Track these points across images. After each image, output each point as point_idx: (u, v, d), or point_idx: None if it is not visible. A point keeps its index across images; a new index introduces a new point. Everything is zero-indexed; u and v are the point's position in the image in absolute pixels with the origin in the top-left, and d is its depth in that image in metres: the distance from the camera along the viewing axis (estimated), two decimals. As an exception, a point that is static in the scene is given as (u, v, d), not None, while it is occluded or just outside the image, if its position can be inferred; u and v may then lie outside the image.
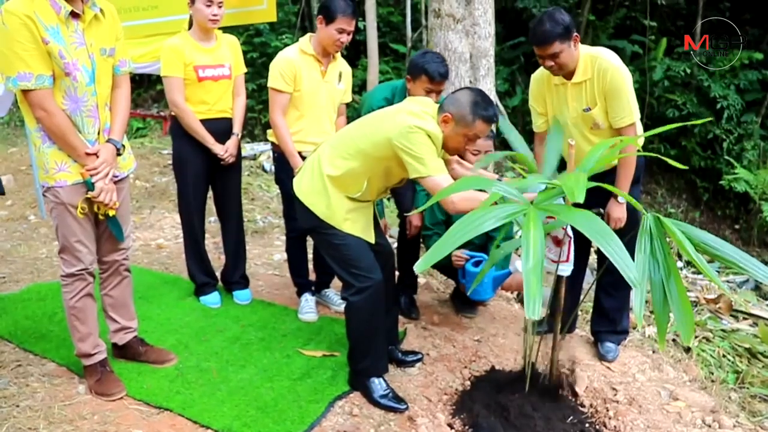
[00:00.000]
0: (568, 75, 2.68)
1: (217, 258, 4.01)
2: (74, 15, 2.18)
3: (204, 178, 3.23)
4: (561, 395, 2.58)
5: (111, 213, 2.41)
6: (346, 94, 3.22)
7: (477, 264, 3.02)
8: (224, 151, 3.12)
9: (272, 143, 3.15)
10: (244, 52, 3.35)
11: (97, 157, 2.31)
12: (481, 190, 2.21)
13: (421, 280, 3.78)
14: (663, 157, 2.10)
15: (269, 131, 3.14)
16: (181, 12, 4.28)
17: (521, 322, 3.31)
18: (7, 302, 3.31)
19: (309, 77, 2.99)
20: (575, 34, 2.59)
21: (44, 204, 2.35)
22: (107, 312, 2.65)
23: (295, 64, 2.96)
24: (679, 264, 5.22)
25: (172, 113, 3.13)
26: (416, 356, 2.88)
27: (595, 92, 2.65)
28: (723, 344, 3.44)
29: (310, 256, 3.47)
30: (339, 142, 2.48)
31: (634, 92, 2.68)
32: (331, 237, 2.47)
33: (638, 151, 2.64)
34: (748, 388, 3.06)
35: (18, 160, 6.80)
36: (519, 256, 3.25)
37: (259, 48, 9.10)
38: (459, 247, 2.97)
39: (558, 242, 2.33)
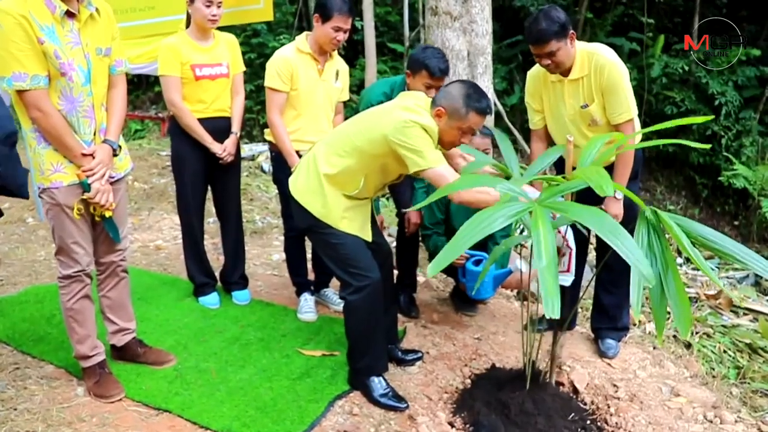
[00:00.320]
0: (565, 72, 2.67)
1: (216, 258, 3.99)
2: (70, 14, 2.17)
3: (203, 177, 3.22)
4: (562, 392, 2.57)
5: (107, 214, 2.39)
6: (344, 93, 3.21)
7: (477, 263, 3.01)
8: (222, 150, 3.11)
9: (269, 143, 3.14)
10: (242, 53, 3.33)
11: (93, 157, 2.29)
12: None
13: (420, 279, 3.77)
14: (685, 142, 2.08)
15: (266, 131, 3.13)
16: (178, 12, 4.28)
17: (521, 320, 3.30)
18: (4, 305, 3.29)
19: (306, 76, 2.98)
20: (571, 31, 2.58)
21: (41, 206, 2.34)
22: (105, 313, 2.64)
23: (292, 63, 2.94)
24: (680, 260, 5.20)
25: (171, 113, 3.12)
26: (416, 355, 2.87)
27: (592, 88, 2.64)
28: (724, 340, 3.43)
29: (309, 255, 3.45)
30: (334, 140, 2.47)
31: (632, 89, 2.67)
32: (328, 236, 2.46)
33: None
34: (749, 383, 3.05)
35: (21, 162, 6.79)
36: (519, 254, 3.25)
37: (256, 48, 9.07)
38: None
39: (558, 252, 2.32)
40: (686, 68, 8.46)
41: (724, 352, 3.33)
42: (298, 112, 3.03)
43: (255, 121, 9.40)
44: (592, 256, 4.44)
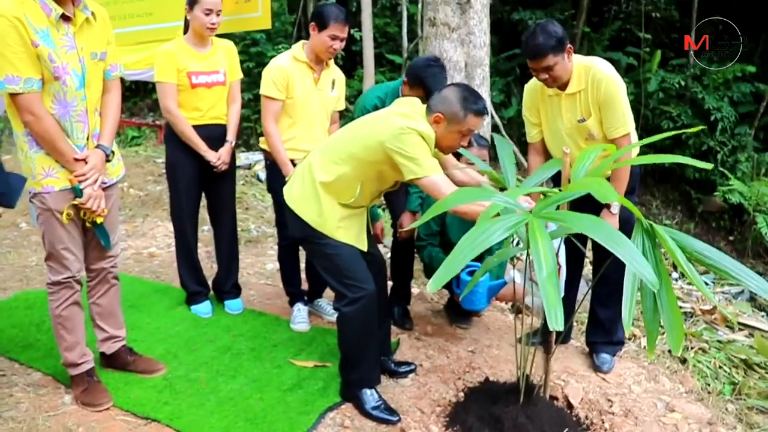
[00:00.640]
0: (562, 86, 2.66)
1: (209, 267, 3.96)
2: (65, 18, 2.15)
3: (197, 185, 3.20)
4: (556, 407, 2.55)
5: (99, 220, 2.37)
6: (339, 102, 3.20)
7: (472, 273, 2.99)
8: (216, 158, 3.09)
9: (264, 151, 3.13)
10: (240, 62, 3.32)
11: (86, 163, 2.27)
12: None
13: (414, 291, 3.75)
14: (685, 159, 2.05)
15: (261, 139, 3.12)
16: (176, 19, 4.28)
17: (515, 333, 3.28)
18: (-6, 310, 3.26)
19: (302, 84, 2.97)
20: (568, 45, 2.57)
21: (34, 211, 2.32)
22: (95, 321, 2.61)
23: (288, 71, 2.93)
24: (675, 275, 5.20)
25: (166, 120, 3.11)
26: (409, 367, 2.84)
27: (589, 103, 2.63)
28: (719, 355, 3.41)
29: (302, 265, 3.43)
30: (330, 147, 2.45)
31: (629, 103, 2.66)
32: (323, 246, 2.43)
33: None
34: (744, 399, 3.02)
35: (12, 168, 6.72)
36: (514, 266, 3.23)
37: (255, 58, 9.09)
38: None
39: None
40: (683, 83, 8.52)
41: (720, 367, 3.31)
42: (294, 120, 3.01)
43: (252, 130, 9.41)
44: (587, 269, 4.42)
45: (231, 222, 3.39)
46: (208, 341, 3.04)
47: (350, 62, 9.84)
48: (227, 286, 3.44)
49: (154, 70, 3.02)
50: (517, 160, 7.38)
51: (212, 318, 3.31)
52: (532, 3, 10.02)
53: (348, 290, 2.41)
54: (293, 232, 2.54)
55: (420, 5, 4.24)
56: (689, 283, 4.87)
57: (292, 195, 2.48)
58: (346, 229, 2.44)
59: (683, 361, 3.32)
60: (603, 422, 2.57)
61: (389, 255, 3.44)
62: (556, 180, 2.87)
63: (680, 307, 3.23)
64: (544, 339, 2.45)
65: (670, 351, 3.39)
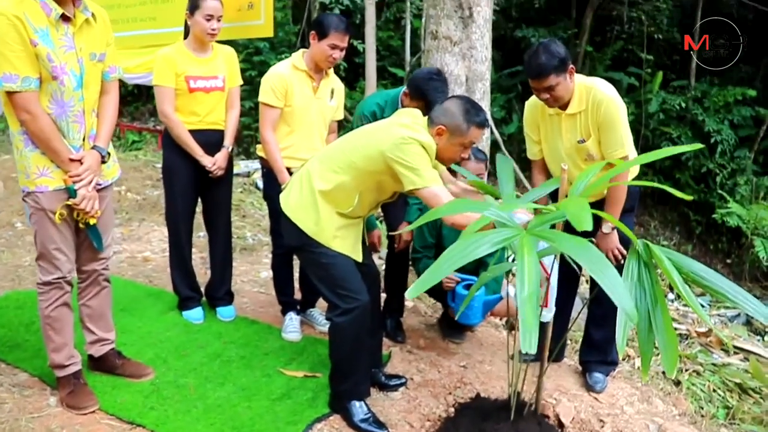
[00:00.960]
0: (563, 106, 2.65)
1: (203, 273, 3.94)
2: (65, 18, 2.15)
3: (192, 189, 3.18)
4: (547, 425, 2.51)
5: (92, 222, 2.35)
6: (338, 111, 3.20)
7: (468, 287, 2.98)
8: (212, 163, 3.08)
9: (261, 158, 3.12)
10: (243, 70, 3.32)
11: (81, 163, 2.26)
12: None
13: (408, 304, 3.72)
14: (664, 187, 2.04)
15: (258, 146, 3.11)
16: (178, 24, 4.26)
17: (508, 350, 3.25)
18: (-17, 310, 3.23)
19: (300, 93, 2.96)
20: (571, 66, 2.56)
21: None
22: (84, 323, 2.59)
23: (287, 80, 2.93)
24: (671, 296, 5.17)
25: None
26: (400, 380, 2.81)
27: (589, 124, 2.62)
28: (713, 378, 3.38)
29: (296, 274, 3.41)
30: (330, 156, 2.44)
31: (629, 124, 2.65)
32: (318, 256, 2.41)
33: (632, 180, 2.61)
34: (738, 424, 2.99)
35: (10, 168, 6.75)
36: (508, 281, 3.21)
37: (258, 66, 9.11)
38: (449, 270, 2.94)
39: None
40: (683, 105, 8.55)
41: (714, 391, 3.28)
42: (292, 128, 3.01)
43: (253, 138, 9.41)
44: (583, 288, 4.40)
45: (225, 228, 3.38)
46: (199, 347, 3.01)
47: (353, 74, 9.87)
48: (220, 292, 3.42)
49: (153, 73, 3.02)
50: (516, 177, 7.39)
51: (204, 324, 3.29)
52: (535, 20, 10.08)
53: (341, 300, 2.39)
54: (289, 240, 2.52)
55: (423, 19, 4.25)
56: (685, 305, 4.85)
57: (289, 203, 2.46)
58: (342, 239, 2.42)
59: (677, 383, 3.29)
60: (594, 442, 2.54)
61: (384, 267, 3.42)
62: (554, 197, 2.86)
63: (675, 329, 3.21)
64: (536, 356, 2.42)
65: (664, 372, 3.36)
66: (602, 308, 2.89)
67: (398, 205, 3.14)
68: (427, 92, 2.83)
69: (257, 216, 6.12)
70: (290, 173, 2.88)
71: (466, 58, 4.08)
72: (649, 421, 2.75)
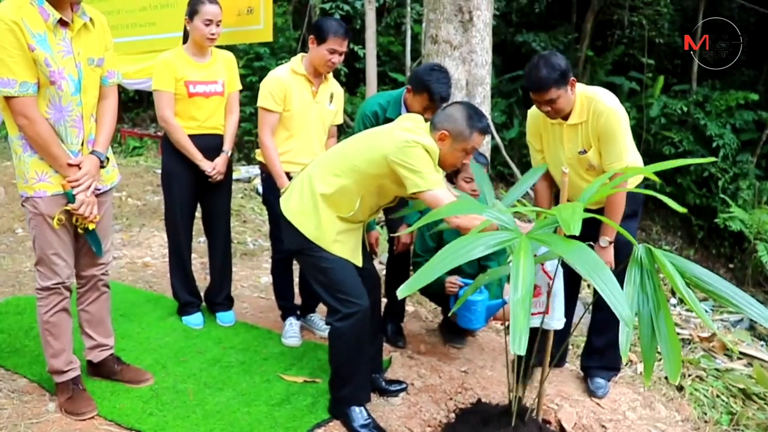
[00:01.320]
0: (565, 116, 2.64)
1: (203, 278, 3.93)
2: (63, 23, 2.15)
3: (192, 194, 3.18)
4: (548, 431, 2.49)
5: (91, 227, 2.34)
6: (337, 116, 3.19)
7: (471, 291, 2.95)
8: (212, 168, 3.08)
9: (260, 163, 3.11)
10: (243, 75, 3.32)
11: (80, 168, 2.25)
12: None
13: (409, 308, 3.71)
14: (660, 196, 2.03)
15: (257, 151, 3.10)
16: (178, 29, 4.29)
17: (509, 354, 3.24)
18: (-17, 315, 3.22)
19: (299, 97, 2.96)
20: (572, 78, 2.55)
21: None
22: (83, 328, 2.58)
23: (286, 84, 2.92)
24: (673, 301, 5.15)
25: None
26: (400, 386, 2.79)
27: (589, 135, 2.61)
28: (717, 384, 3.35)
29: (296, 279, 3.39)
30: (331, 159, 2.43)
31: (631, 128, 2.64)
32: (318, 260, 2.40)
33: (637, 186, 2.60)
34: (742, 430, 2.97)
35: (11, 174, 6.77)
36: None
37: (258, 72, 9.12)
38: (452, 273, 2.92)
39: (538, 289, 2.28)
40: (685, 109, 8.55)
41: (717, 396, 3.25)
42: (291, 133, 3.00)
43: (253, 144, 9.42)
44: (585, 292, 4.38)
45: (225, 234, 3.37)
46: (198, 353, 3.00)
47: (353, 79, 9.88)
48: (220, 297, 3.40)
49: (152, 78, 3.02)
50: (517, 181, 7.38)
51: (203, 329, 3.27)
52: (535, 25, 10.10)
53: (341, 305, 2.38)
54: (288, 245, 2.51)
55: (423, 23, 4.25)
56: (688, 310, 4.82)
57: (289, 207, 2.45)
58: (342, 243, 2.41)
59: (680, 388, 3.26)
60: (596, 448, 2.52)
61: (384, 271, 3.41)
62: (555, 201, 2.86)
63: (678, 334, 3.18)
64: (538, 362, 2.41)
65: (666, 377, 3.34)
66: (604, 313, 2.87)
67: (399, 209, 3.13)
68: (429, 83, 2.82)
69: (258, 221, 6.11)
70: (289, 178, 2.87)
71: (466, 63, 4.08)
72: (651, 427, 2.73)
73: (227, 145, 3.16)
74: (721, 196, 8.07)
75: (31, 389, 2.55)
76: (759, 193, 8.14)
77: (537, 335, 2.30)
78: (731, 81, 9.02)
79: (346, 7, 9.14)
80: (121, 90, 2.38)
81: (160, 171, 7.41)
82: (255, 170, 7.67)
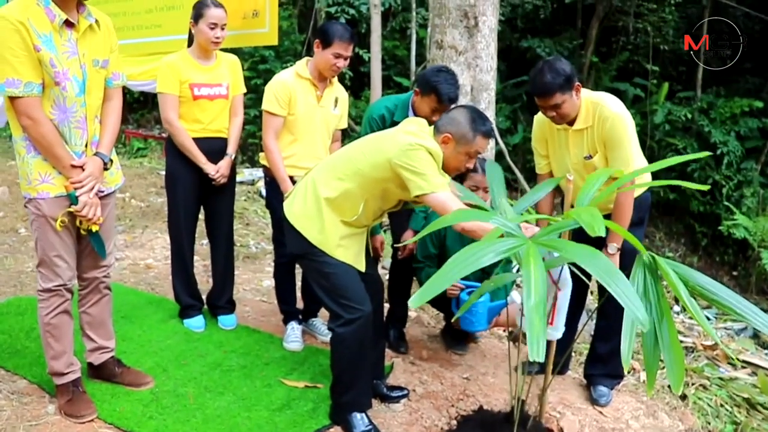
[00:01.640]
0: (570, 122, 2.63)
1: (205, 281, 3.92)
2: (69, 24, 2.15)
3: (195, 197, 3.17)
4: (550, 439, 2.48)
5: (94, 229, 2.34)
6: (342, 120, 3.18)
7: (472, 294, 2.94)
8: (215, 171, 3.07)
9: (264, 167, 3.10)
10: (248, 78, 3.33)
11: (83, 170, 2.25)
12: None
13: (411, 314, 3.69)
14: (679, 182, 2.00)
15: (261, 154, 3.09)
16: (183, 32, 4.28)
17: (512, 361, 3.22)
18: (-16, 316, 3.22)
19: (304, 101, 2.95)
20: (576, 83, 2.54)
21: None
22: (84, 330, 2.57)
23: (290, 88, 2.92)
24: (676, 308, 5.12)
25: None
26: (402, 392, 2.78)
27: (595, 140, 2.60)
28: (720, 393, 3.33)
29: (299, 284, 3.38)
30: (335, 163, 2.42)
31: (637, 136, 2.62)
32: (321, 264, 2.39)
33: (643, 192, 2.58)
34: (745, 440, 2.94)
35: (15, 173, 6.76)
36: (516, 289, 3.19)
37: (263, 75, 9.14)
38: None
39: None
40: (689, 116, 8.53)
41: (721, 405, 3.22)
42: (295, 137, 2.99)
43: (258, 147, 9.43)
44: (589, 300, 4.36)
45: (227, 237, 3.36)
46: (199, 356, 2.99)
47: (358, 83, 9.89)
48: (221, 301, 3.40)
49: (157, 81, 3.02)
50: (521, 188, 7.37)
51: (204, 333, 3.26)
52: (540, 31, 10.10)
53: (344, 310, 2.36)
54: (291, 249, 2.50)
55: (429, 29, 4.26)
56: (691, 317, 4.80)
57: (293, 211, 2.44)
58: (345, 248, 2.40)
59: (683, 397, 3.24)
60: (599, 457, 2.50)
61: (387, 277, 3.39)
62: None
63: (681, 342, 3.16)
64: (540, 368, 2.39)
65: (669, 386, 3.32)
66: (607, 321, 2.86)
67: (403, 215, 3.13)
68: (437, 84, 2.82)
69: (261, 224, 6.10)
70: (293, 182, 2.86)
71: (471, 68, 4.08)
72: (654, 436, 2.71)
73: (231, 148, 3.16)
74: (725, 203, 8.04)
75: (31, 391, 2.55)
76: (763, 200, 8.11)
77: None
78: (736, 88, 9.00)
79: (352, 11, 9.16)
80: (126, 91, 2.39)
81: (163, 173, 7.45)
82: (258, 173, 7.67)
